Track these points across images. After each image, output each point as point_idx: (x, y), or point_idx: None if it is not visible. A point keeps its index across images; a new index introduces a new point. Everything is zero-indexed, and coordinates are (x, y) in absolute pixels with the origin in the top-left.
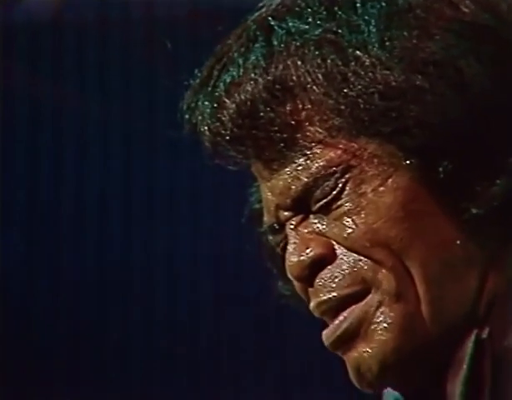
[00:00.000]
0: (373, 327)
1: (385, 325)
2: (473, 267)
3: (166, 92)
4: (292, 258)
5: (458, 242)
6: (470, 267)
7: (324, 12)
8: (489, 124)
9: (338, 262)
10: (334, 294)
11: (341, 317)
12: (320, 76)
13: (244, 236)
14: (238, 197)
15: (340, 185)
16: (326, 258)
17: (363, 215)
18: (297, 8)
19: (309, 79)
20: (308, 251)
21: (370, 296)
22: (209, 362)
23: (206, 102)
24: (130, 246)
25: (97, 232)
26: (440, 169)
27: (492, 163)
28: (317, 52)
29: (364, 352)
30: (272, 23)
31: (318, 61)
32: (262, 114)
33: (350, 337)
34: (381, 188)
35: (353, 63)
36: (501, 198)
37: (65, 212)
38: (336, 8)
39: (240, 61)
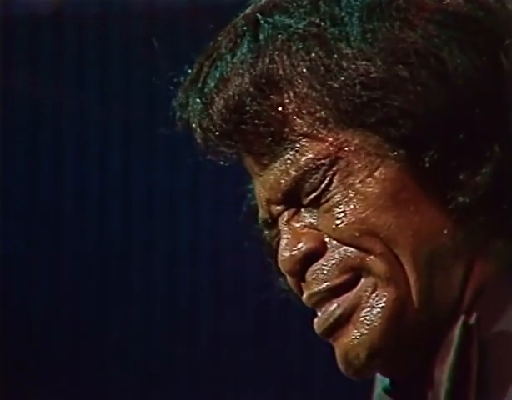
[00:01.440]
0: (365, 311)
1: (378, 309)
2: (460, 256)
3: (166, 87)
4: (284, 253)
5: (445, 231)
6: (458, 255)
7: (309, 6)
8: (473, 114)
9: (328, 254)
10: (325, 285)
11: (334, 305)
12: (304, 69)
13: (244, 233)
14: (237, 194)
15: (328, 177)
16: (317, 252)
17: (351, 206)
18: (283, 3)
19: (294, 73)
20: (299, 245)
21: (362, 281)
22: (209, 362)
23: (196, 99)
24: (130, 246)
25: (98, 231)
26: (426, 159)
27: (477, 152)
28: (301, 46)
29: (353, 338)
30: (259, 18)
31: (303, 54)
32: (249, 109)
33: (342, 324)
34: (368, 179)
35: (335, 55)
36: (487, 187)
37: (65, 211)
38: (320, 2)
39: (228, 57)
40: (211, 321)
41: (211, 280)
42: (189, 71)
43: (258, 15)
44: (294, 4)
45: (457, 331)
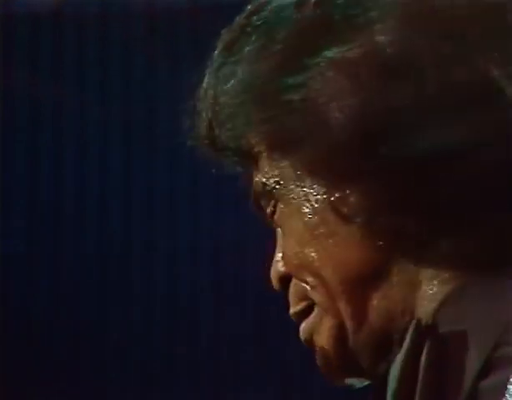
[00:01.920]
0: (317, 337)
1: (323, 335)
2: (388, 279)
3: (167, 86)
4: (271, 269)
5: (371, 256)
6: (384, 279)
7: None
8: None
9: (293, 281)
10: (292, 310)
11: (301, 329)
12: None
13: (245, 233)
14: (237, 194)
15: (273, 204)
16: (287, 277)
17: (286, 239)
18: None
19: None
20: (278, 266)
21: (315, 309)
22: (209, 362)
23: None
24: (130, 246)
25: (98, 231)
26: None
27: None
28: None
29: (318, 358)
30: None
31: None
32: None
33: (310, 345)
34: (294, 212)
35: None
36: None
37: (65, 211)
38: None
39: (213, 67)
40: (211, 321)
41: (211, 280)
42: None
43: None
44: None
45: (408, 334)
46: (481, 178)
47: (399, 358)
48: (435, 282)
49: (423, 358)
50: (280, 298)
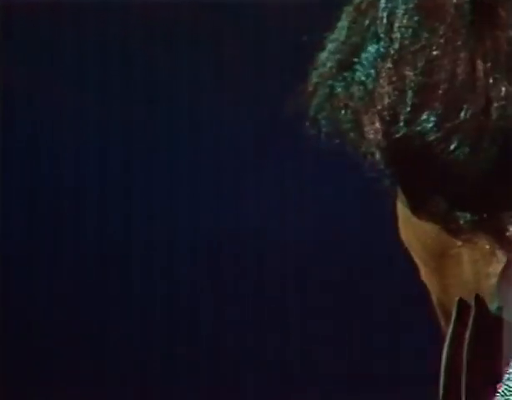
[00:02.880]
0: None
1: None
2: (459, 258)
3: (165, 83)
4: None
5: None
6: (456, 257)
7: None
8: None
9: None
10: None
11: None
12: None
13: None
14: (236, 193)
15: None
16: None
17: None
18: None
19: None
20: None
21: None
22: (209, 362)
23: None
24: (130, 246)
25: (96, 231)
26: None
27: None
28: None
29: None
30: None
31: None
32: None
33: None
34: None
35: None
36: None
37: (65, 211)
38: None
39: None
40: (211, 321)
41: (211, 280)
42: None
43: None
44: None
45: (455, 307)
46: None
47: (450, 330)
48: (494, 260)
49: (469, 329)
50: (279, 298)
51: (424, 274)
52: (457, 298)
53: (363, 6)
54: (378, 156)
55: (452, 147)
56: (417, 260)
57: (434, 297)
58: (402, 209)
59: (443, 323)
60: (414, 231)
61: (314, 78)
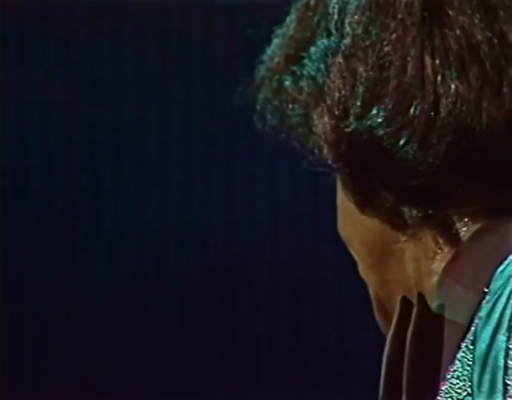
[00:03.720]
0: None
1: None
2: (400, 255)
3: (157, 79)
4: None
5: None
6: (397, 255)
7: None
8: None
9: None
10: None
11: None
12: None
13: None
14: (229, 190)
15: None
16: None
17: None
18: None
19: None
20: None
21: None
22: (209, 362)
23: None
24: (123, 237)
25: (90, 229)
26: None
27: None
28: None
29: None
30: None
31: None
32: None
33: None
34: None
35: None
36: None
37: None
38: None
39: None
40: (206, 318)
41: (203, 287)
42: None
43: None
44: None
45: (397, 306)
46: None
47: (392, 328)
48: (437, 257)
49: (412, 326)
50: (275, 297)
51: (362, 269)
52: (400, 297)
53: (313, 2)
54: (326, 151)
55: (401, 142)
56: (355, 255)
57: (371, 291)
58: (343, 203)
59: (378, 317)
60: (354, 225)
61: (261, 72)
